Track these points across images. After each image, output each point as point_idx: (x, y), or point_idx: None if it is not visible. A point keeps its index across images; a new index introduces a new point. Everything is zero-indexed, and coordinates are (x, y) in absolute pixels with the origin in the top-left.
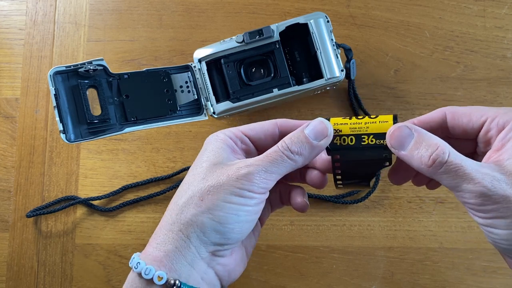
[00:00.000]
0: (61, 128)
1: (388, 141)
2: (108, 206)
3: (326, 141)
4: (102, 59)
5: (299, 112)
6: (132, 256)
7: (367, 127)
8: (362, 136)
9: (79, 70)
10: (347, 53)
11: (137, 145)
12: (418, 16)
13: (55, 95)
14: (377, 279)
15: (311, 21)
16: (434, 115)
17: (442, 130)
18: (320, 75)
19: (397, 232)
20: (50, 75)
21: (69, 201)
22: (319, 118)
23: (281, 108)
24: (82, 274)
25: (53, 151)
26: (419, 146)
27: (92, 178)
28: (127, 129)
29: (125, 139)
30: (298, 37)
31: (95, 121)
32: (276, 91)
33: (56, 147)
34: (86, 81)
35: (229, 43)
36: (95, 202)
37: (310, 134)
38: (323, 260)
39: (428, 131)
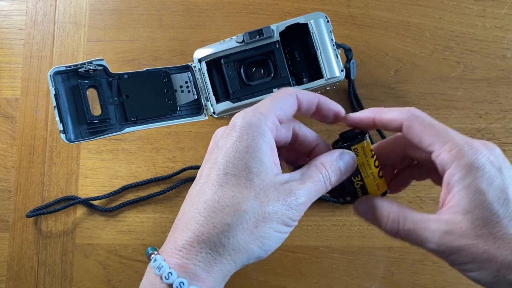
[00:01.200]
0: (61, 128)
1: (355, 207)
2: (108, 206)
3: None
4: (102, 59)
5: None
6: (167, 270)
7: (367, 176)
8: (356, 176)
9: (79, 70)
10: (347, 53)
11: (137, 145)
12: (418, 16)
13: (55, 95)
14: (377, 279)
15: (311, 21)
16: (394, 121)
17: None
18: (320, 75)
19: None
20: (50, 75)
21: (69, 201)
22: (351, 154)
23: None
24: (82, 274)
25: (53, 151)
26: (380, 217)
27: (92, 178)
28: (127, 129)
29: (125, 139)
30: (298, 37)
31: (95, 121)
32: (276, 91)
33: (56, 147)
34: (86, 81)
35: (229, 43)
36: (95, 202)
37: (342, 168)
38: (323, 260)
39: (384, 128)
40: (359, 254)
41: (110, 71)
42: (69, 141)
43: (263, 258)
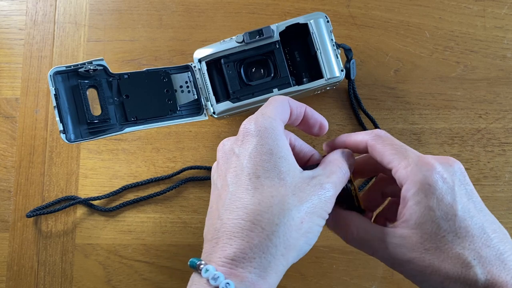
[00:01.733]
0: (61, 128)
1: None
2: (108, 206)
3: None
4: (102, 59)
5: None
6: (224, 281)
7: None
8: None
9: (79, 70)
10: (347, 53)
11: (137, 145)
12: (418, 16)
13: (55, 95)
14: (377, 279)
15: (311, 21)
16: (361, 142)
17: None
18: (320, 75)
19: None
20: (50, 75)
21: (69, 201)
22: (351, 152)
23: None
24: (82, 274)
25: (53, 151)
26: (346, 230)
27: (92, 178)
28: (127, 129)
29: (125, 139)
30: (298, 37)
31: (95, 121)
32: (276, 91)
33: (56, 147)
34: (86, 81)
35: (229, 43)
36: (95, 202)
37: (349, 163)
38: (323, 260)
39: (356, 150)
40: (359, 254)
41: (110, 71)
42: (69, 141)
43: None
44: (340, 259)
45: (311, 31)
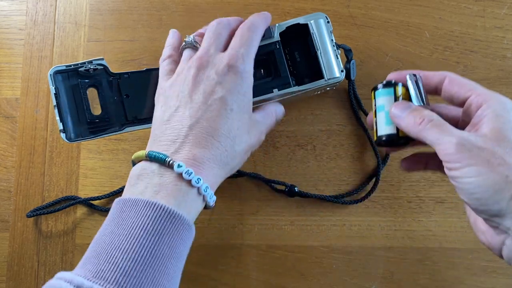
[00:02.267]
0: (61, 127)
1: (391, 110)
2: (108, 206)
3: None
4: (102, 59)
5: (299, 112)
6: (195, 177)
7: None
8: None
9: (79, 69)
10: (347, 54)
11: (137, 145)
12: (418, 17)
13: (55, 94)
14: (377, 279)
15: (312, 21)
16: (437, 75)
17: (437, 90)
18: (320, 76)
19: (397, 232)
20: (50, 74)
21: (69, 201)
22: (281, 108)
23: None
24: None
25: (53, 151)
26: (414, 113)
27: (92, 178)
28: (127, 129)
29: (125, 139)
30: (298, 37)
31: (96, 120)
32: (276, 92)
33: (56, 147)
34: (86, 80)
35: None
36: (96, 202)
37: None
38: (323, 260)
39: (427, 86)
40: (358, 254)
41: (110, 70)
42: (69, 140)
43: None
44: (340, 259)
45: (311, 31)
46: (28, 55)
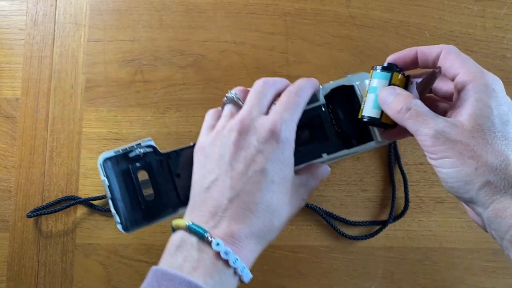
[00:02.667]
0: (118, 220)
1: (380, 94)
2: (108, 206)
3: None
4: (150, 139)
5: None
6: (233, 257)
7: None
8: None
9: (130, 155)
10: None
11: None
12: (418, 17)
13: (108, 186)
14: (377, 279)
15: (357, 83)
16: (434, 48)
17: (433, 64)
18: (369, 137)
19: (397, 232)
20: (100, 164)
21: (70, 201)
22: (327, 169)
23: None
24: (82, 274)
25: (53, 151)
26: (397, 99)
27: (92, 178)
28: (182, 210)
29: (125, 139)
30: (344, 97)
31: (150, 205)
32: (325, 156)
33: (56, 147)
34: (137, 164)
35: None
36: (96, 202)
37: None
38: (323, 260)
39: (424, 61)
40: (358, 254)
41: (159, 150)
42: (126, 231)
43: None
44: (340, 259)
45: (358, 94)
46: (28, 55)
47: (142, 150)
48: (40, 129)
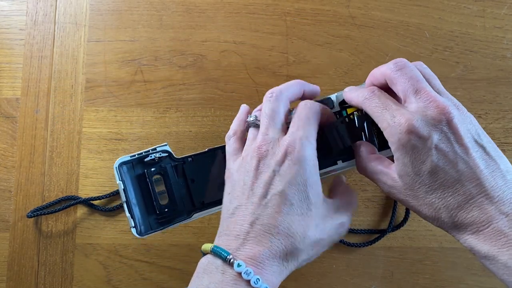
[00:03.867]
0: (132, 224)
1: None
2: (108, 206)
3: None
4: (166, 145)
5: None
6: (255, 277)
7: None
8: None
9: (145, 159)
10: None
11: (137, 145)
12: (418, 17)
13: (124, 189)
14: (377, 278)
15: None
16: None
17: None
18: (385, 144)
19: (397, 232)
20: (116, 167)
21: (70, 201)
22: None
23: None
24: (82, 273)
25: (54, 151)
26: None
27: (92, 178)
28: (196, 215)
29: (125, 139)
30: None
31: (164, 210)
32: (340, 163)
33: (56, 147)
34: (152, 169)
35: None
36: (96, 202)
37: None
38: (323, 260)
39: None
40: (359, 254)
41: (175, 156)
42: (139, 235)
43: None
44: (340, 259)
45: None
46: (29, 55)
47: (157, 155)
48: (40, 129)
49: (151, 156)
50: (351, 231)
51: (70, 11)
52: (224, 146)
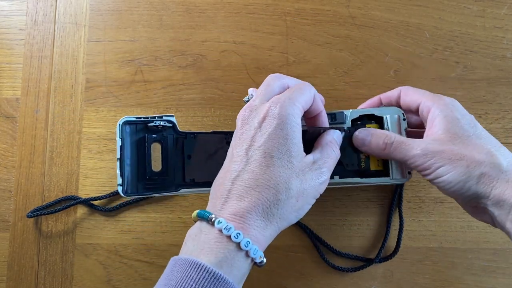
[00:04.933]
0: (120, 182)
1: (354, 142)
2: (108, 206)
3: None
4: (173, 116)
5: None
6: (235, 231)
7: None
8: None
9: (149, 124)
10: None
11: None
12: (418, 17)
13: (120, 146)
14: (377, 279)
15: (387, 116)
16: (394, 92)
17: (397, 103)
18: (386, 173)
19: (397, 232)
20: (120, 124)
21: (70, 201)
22: (339, 132)
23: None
24: (82, 273)
25: (54, 151)
26: (375, 139)
27: (92, 178)
28: (183, 190)
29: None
30: (369, 123)
31: (154, 177)
32: (337, 179)
33: (56, 147)
34: (153, 135)
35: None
36: (96, 202)
37: (339, 142)
38: (323, 260)
39: (388, 103)
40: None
41: (179, 128)
42: (125, 194)
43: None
44: (340, 259)
45: (385, 126)
46: (29, 55)
47: (162, 123)
48: (40, 129)
49: (155, 123)
50: (338, 254)
51: (70, 11)
52: (229, 132)
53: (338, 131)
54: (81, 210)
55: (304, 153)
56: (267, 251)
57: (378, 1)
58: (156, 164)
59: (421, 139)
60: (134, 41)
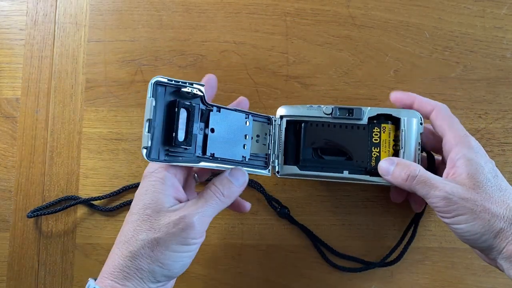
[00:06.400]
0: (148, 144)
1: (379, 170)
2: (108, 206)
3: (244, 186)
4: (203, 85)
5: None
6: (89, 284)
7: (384, 152)
8: (376, 147)
9: (181, 89)
10: (430, 159)
11: (137, 145)
12: (418, 17)
13: (154, 106)
14: (377, 279)
15: (405, 118)
16: (429, 104)
17: (428, 117)
18: None
19: (396, 232)
20: (152, 83)
21: (70, 201)
22: (239, 168)
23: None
24: (82, 273)
25: (54, 151)
26: (399, 169)
27: (92, 178)
28: (202, 163)
29: (126, 139)
30: (385, 123)
31: (178, 145)
32: (345, 174)
33: (56, 147)
34: (184, 101)
35: (316, 111)
36: (96, 202)
37: (234, 180)
38: (323, 260)
39: (420, 110)
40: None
41: (206, 99)
42: (147, 158)
43: (179, 274)
44: (340, 259)
45: (401, 128)
46: (29, 55)
47: (193, 90)
48: (40, 129)
49: (187, 86)
50: (340, 256)
51: (70, 11)
52: (249, 113)
53: (237, 168)
54: (81, 210)
55: (174, 203)
56: (268, 251)
57: (378, 1)
58: (180, 132)
59: (445, 180)
60: (134, 41)
